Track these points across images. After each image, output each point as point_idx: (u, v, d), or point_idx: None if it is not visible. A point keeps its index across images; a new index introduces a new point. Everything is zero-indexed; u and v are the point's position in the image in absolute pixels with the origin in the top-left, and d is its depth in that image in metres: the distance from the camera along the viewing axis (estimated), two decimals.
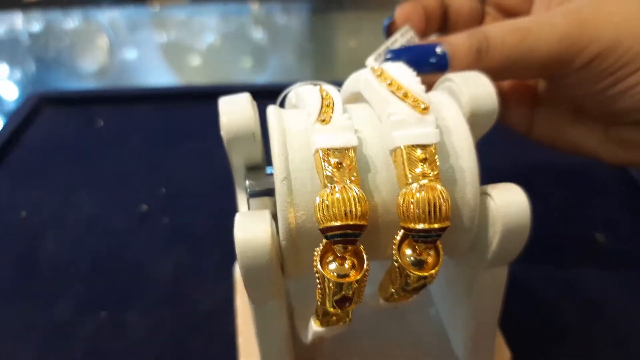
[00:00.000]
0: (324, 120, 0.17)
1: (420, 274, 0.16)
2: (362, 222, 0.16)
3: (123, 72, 0.63)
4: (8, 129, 0.44)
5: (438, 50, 0.23)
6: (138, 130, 0.45)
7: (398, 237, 0.17)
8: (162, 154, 0.42)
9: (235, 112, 0.19)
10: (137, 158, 0.41)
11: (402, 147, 0.17)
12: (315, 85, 0.19)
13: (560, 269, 0.32)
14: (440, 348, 0.25)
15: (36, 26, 0.71)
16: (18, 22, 0.72)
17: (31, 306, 0.30)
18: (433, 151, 0.17)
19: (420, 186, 0.16)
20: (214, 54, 0.67)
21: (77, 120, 0.46)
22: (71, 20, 0.72)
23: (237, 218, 0.17)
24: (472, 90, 0.20)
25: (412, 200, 0.16)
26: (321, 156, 0.16)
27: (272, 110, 0.19)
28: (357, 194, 0.16)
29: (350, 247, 0.16)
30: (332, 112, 0.17)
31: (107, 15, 0.74)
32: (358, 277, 0.16)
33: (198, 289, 0.30)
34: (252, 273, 0.17)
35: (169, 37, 0.70)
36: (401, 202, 0.16)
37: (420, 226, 0.16)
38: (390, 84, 0.18)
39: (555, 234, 0.34)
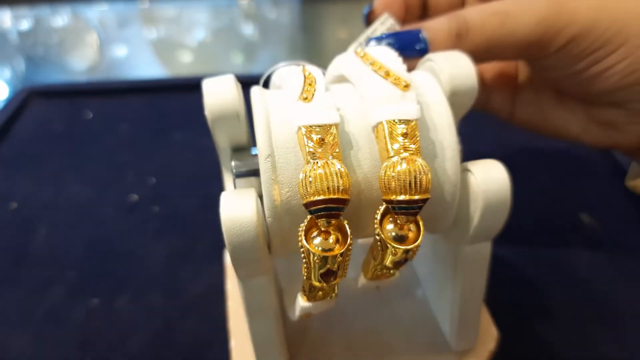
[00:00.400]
0: (306, 98, 0.17)
1: (402, 247, 0.17)
2: (345, 196, 0.16)
3: (113, 69, 0.63)
4: None
5: (418, 36, 0.24)
6: (126, 121, 0.45)
7: (380, 212, 0.17)
8: (151, 145, 0.42)
9: (219, 92, 0.20)
10: (126, 149, 0.42)
11: (384, 122, 0.17)
12: (298, 65, 0.19)
13: (547, 250, 0.32)
14: (428, 328, 0.25)
15: (25, 23, 0.70)
16: (6, 19, 0.72)
17: (24, 294, 0.30)
18: (414, 126, 0.17)
19: (402, 159, 0.16)
20: (204, 49, 0.66)
21: (66, 113, 0.46)
22: (60, 17, 0.72)
23: (223, 197, 0.18)
24: (452, 69, 0.20)
25: (393, 173, 0.16)
26: (304, 133, 0.17)
27: (255, 90, 0.19)
28: (339, 168, 0.16)
29: (333, 222, 0.16)
30: (314, 91, 0.18)
31: (96, 11, 0.74)
32: (342, 250, 0.16)
33: (189, 275, 0.31)
34: (239, 251, 0.18)
35: (158, 33, 0.70)
36: (383, 175, 0.16)
37: (401, 197, 0.16)
38: (372, 64, 0.19)
39: (541, 215, 0.34)
